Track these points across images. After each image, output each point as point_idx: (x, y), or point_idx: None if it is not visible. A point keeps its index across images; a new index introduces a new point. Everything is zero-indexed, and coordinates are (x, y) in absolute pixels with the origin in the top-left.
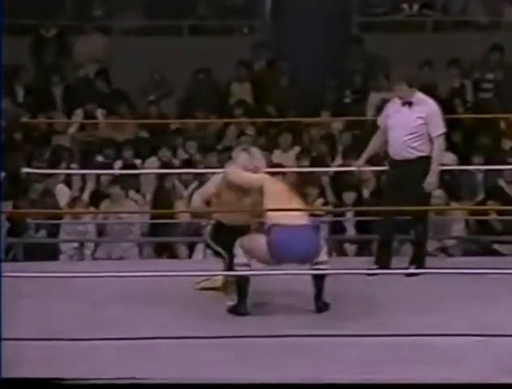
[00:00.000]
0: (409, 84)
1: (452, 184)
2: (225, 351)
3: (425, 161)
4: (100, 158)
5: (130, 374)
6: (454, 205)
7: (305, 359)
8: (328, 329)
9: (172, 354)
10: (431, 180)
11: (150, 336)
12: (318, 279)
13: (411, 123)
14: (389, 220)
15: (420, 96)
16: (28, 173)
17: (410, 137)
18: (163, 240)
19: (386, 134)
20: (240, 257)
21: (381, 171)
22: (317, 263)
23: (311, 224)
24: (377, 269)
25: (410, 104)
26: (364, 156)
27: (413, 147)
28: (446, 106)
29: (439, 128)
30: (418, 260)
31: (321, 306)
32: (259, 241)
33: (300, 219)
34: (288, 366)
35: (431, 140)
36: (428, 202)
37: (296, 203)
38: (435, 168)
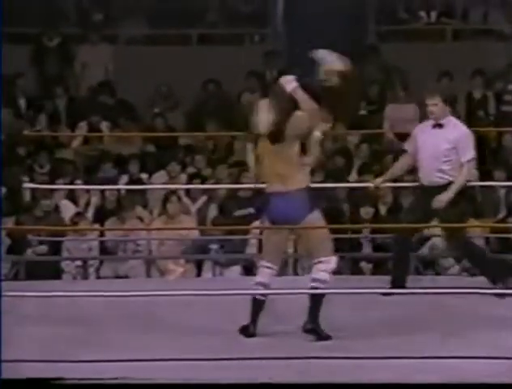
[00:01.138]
0: (444, 101)
1: (472, 200)
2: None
3: None
4: (104, 173)
5: None
6: (473, 222)
7: None
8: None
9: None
10: (442, 198)
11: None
12: (312, 297)
13: (441, 146)
14: (406, 238)
15: (451, 117)
16: (30, 188)
17: (440, 161)
18: (171, 257)
19: (412, 159)
20: (258, 275)
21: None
22: (314, 280)
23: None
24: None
25: (440, 126)
26: (385, 177)
27: (443, 172)
28: (468, 119)
29: (469, 153)
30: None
31: (308, 328)
32: None
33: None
34: None
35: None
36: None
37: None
38: (453, 188)
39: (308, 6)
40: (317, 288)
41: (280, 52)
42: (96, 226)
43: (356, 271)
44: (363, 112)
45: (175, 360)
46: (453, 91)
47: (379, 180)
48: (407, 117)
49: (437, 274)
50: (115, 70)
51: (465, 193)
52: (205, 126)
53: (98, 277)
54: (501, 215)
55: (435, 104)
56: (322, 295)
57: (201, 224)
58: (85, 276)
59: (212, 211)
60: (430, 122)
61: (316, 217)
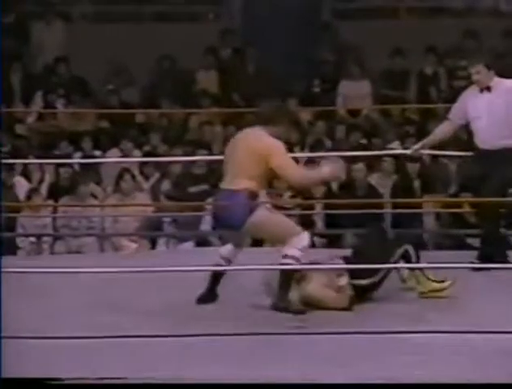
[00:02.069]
0: (487, 66)
1: (424, 176)
2: None
3: None
4: (60, 150)
5: None
6: (425, 198)
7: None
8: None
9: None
10: None
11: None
12: (281, 274)
13: (496, 110)
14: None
15: (498, 79)
16: None
17: (498, 125)
18: (125, 234)
19: (455, 127)
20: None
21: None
22: (285, 257)
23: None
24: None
25: (489, 89)
26: (424, 143)
27: (503, 136)
28: (420, 95)
29: None
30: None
31: (277, 306)
32: None
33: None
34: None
35: None
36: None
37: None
38: None
39: None
40: (287, 265)
41: (235, 30)
42: (50, 203)
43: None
44: (316, 89)
45: (128, 336)
46: (405, 68)
47: (417, 146)
48: (360, 94)
49: None
50: (69, 47)
51: None
52: (160, 103)
53: (52, 253)
54: (451, 191)
55: (478, 72)
56: (292, 272)
57: (154, 200)
58: (39, 252)
59: (166, 188)
60: (477, 87)
61: (260, 214)
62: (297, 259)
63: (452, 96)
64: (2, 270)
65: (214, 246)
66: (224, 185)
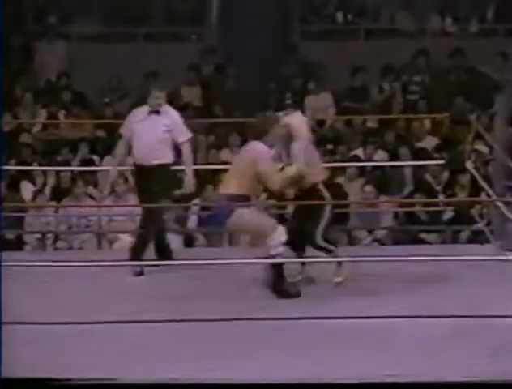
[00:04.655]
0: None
1: (383, 179)
2: None
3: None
4: (62, 157)
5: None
6: (383, 198)
7: None
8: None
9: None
10: (189, 182)
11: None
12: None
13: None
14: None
15: (166, 107)
16: None
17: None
18: (120, 231)
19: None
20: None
21: None
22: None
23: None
24: None
25: (157, 112)
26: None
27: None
28: (383, 109)
29: (185, 133)
30: None
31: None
32: None
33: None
34: None
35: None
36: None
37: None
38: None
39: (241, 7)
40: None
41: (215, 48)
42: (53, 204)
43: None
44: (288, 102)
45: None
46: (365, 84)
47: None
48: (323, 105)
49: None
50: (69, 64)
51: None
52: None
53: (55, 249)
54: (406, 191)
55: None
56: (281, 267)
57: None
58: (43, 248)
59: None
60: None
61: (241, 212)
62: (281, 255)
63: (406, 108)
64: (11, 264)
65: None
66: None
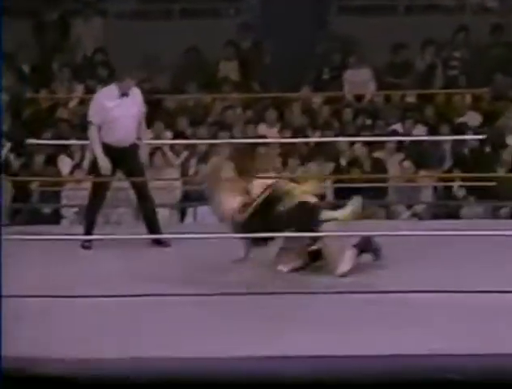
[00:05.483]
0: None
1: (421, 154)
2: None
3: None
4: None
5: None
6: (422, 173)
7: None
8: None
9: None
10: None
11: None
12: None
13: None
14: None
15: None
16: (33, 144)
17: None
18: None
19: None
20: None
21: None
22: None
23: None
24: None
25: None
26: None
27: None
28: (421, 82)
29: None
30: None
31: None
32: None
33: None
34: None
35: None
36: None
37: None
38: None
39: None
40: None
41: (253, 24)
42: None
43: None
44: (326, 77)
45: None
46: (406, 59)
47: None
48: (363, 80)
49: None
50: (105, 41)
51: None
52: (187, 89)
53: None
54: (445, 167)
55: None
56: None
57: (183, 175)
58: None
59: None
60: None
61: None
62: None
63: (447, 83)
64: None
65: None
66: None
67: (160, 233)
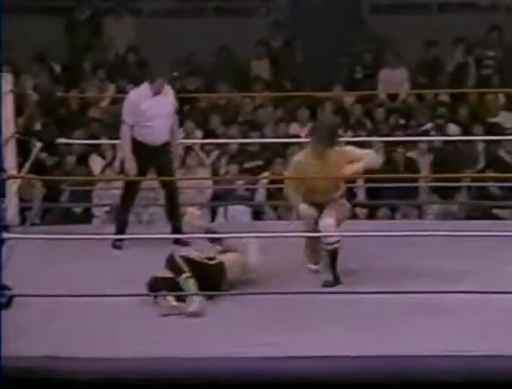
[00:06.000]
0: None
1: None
2: None
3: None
4: None
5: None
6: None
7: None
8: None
9: None
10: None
11: None
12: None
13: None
14: None
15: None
16: (64, 144)
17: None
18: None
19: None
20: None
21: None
22: None
23: None
24: None
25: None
26: None
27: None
28: (454, 81)
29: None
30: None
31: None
32: None
33: None
34: None
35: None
36: None
37: None
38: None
39: None
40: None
41: (284, 23)
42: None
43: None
44: (358, 76)
45: None
46: (438, 58)
47: None
48: (398, 80)
49: None
50: (137, 40)
51: None
52: (219, 88)
53: None
54: (479, 166)
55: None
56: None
57: (214, 175)
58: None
59: (224, 164)
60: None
61: None
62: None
63: (480, 83)
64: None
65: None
66: None
67: (182, 233)
